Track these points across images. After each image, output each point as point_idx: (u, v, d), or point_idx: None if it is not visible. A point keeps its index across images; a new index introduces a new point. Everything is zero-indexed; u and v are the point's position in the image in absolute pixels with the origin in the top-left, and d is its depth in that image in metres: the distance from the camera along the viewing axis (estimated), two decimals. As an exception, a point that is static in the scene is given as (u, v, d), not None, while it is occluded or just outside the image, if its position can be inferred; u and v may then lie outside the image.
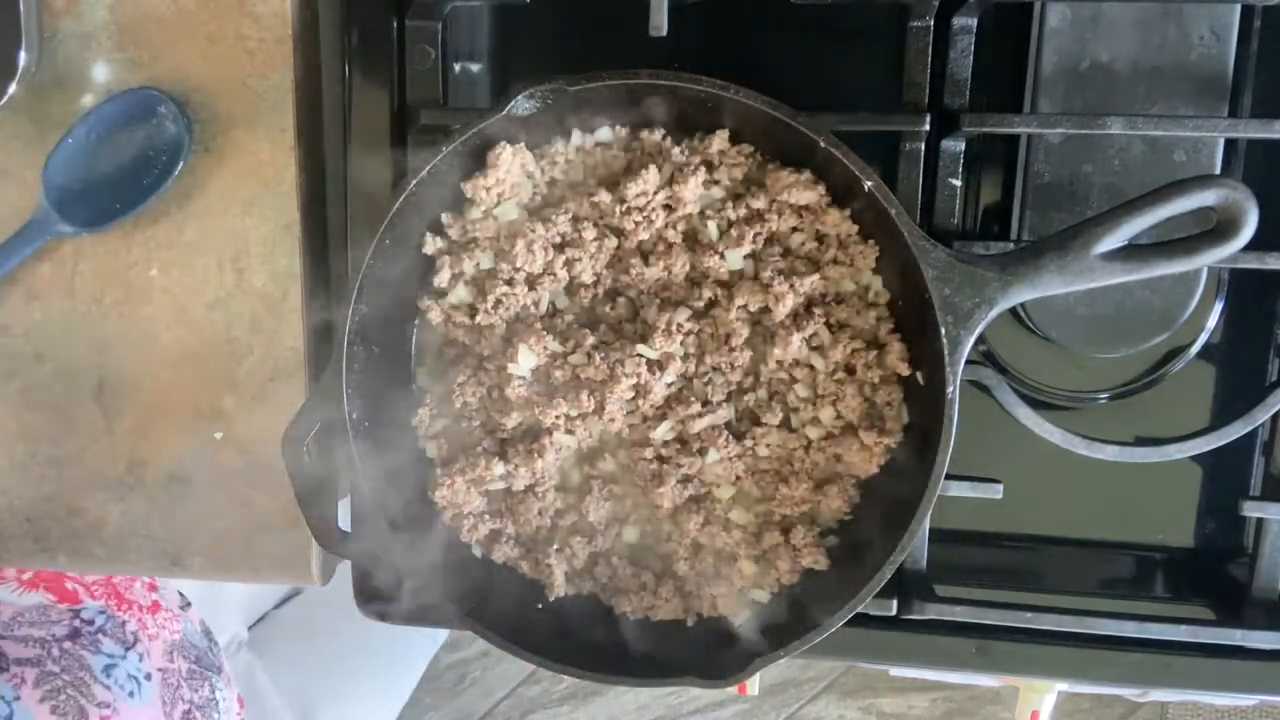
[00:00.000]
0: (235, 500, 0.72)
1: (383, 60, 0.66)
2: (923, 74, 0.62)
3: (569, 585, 0.64)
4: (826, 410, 0.61)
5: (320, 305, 0.71)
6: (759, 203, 0.61)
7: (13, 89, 0.67)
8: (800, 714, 1.72)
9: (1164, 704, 1.63)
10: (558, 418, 0.61)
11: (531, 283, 0.62)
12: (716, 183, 0.62)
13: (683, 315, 0.61)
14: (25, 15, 0.66)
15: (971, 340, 0.56)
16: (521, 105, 0.59)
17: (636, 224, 0.61)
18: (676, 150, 0.61)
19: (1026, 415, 0.63)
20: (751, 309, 0.61)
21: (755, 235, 0.60)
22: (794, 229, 0.61)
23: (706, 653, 0.62)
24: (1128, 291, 0.63)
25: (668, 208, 0.61)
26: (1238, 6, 0.61)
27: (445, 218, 0.63)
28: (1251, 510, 0.64)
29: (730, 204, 0.61)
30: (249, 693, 0.87)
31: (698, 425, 0.61)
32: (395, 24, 0.65)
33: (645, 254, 0.62)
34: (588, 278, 0.63)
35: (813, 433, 0.62)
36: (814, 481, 0.62)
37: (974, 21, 0.61)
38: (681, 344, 0.61)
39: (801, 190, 0.60)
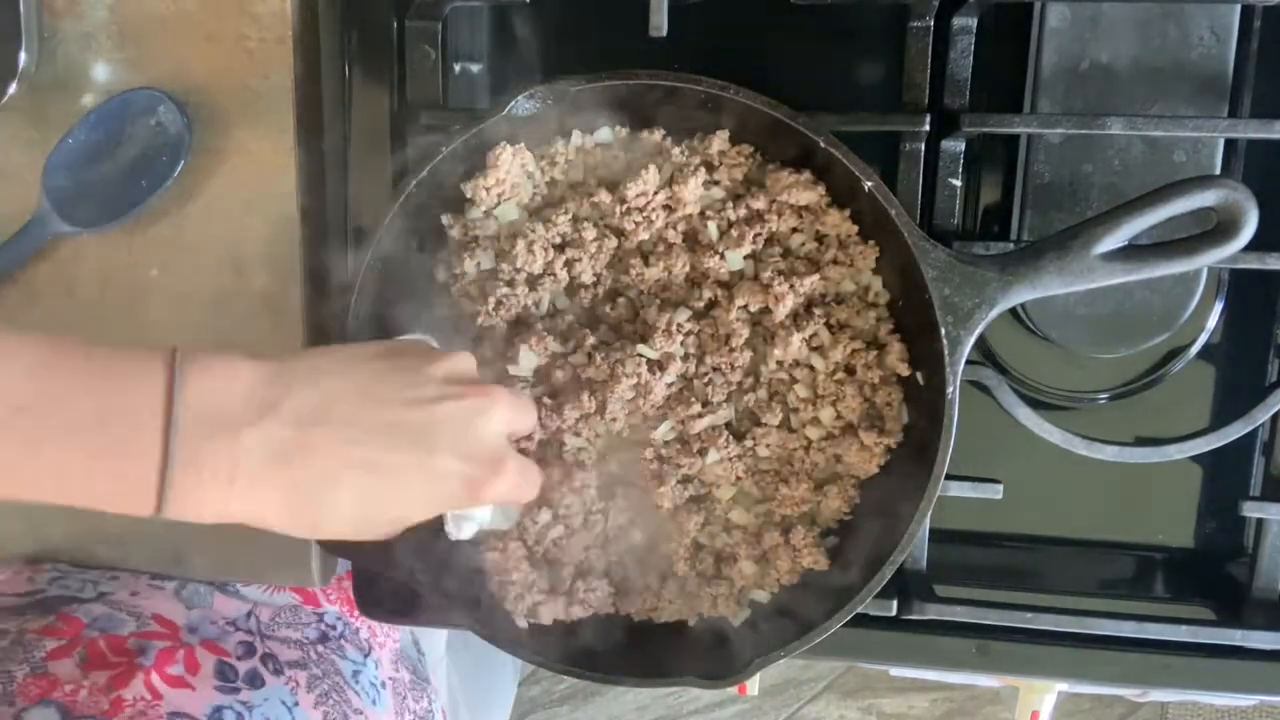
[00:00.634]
0: (235, 500, 0.72)
1: (383, 60, 0.66)
2: (923, 74, 0.62)
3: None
4: (827, 410, 0.61)
5: (320, 305, 0.71)
6: (759, 203, 0.61)
7: (13, 89, 0.67)
8: (800, 714, 1.72)
9: (1164, 704, 1.63)
10: (565, 422, 0.61)
11: (532, 283, 0.62)
12: (716, 183, 0.62)
13: (683, 315, 0.61)
14: (25, 15, 0.66)
15: (971, 340, 0.56)
16: (521, 105, 0.59)
17: (636, 224, 0.61)
18: (676, 150, 0.61)
19: (1026, 415, 0.63)
20: (752, 309, 0.61)
21: (755, 235, 0.60)
22: (794, 229, 0.61)
23: (706, 653, 0.62)
24: (1128, 292, 0.63)
25: (668, 208, 0.61)
26: (1238, 6, 0.61)
27: (445, 218, 0.63)
28: (1251, 510, 0.64)
29: (730, 204, 0.61)
30: (450, 703, 0.86)
31: (698, 425, 0.61)
32: (395, 24, 0.65)
33: (645, 254, 0.62)
34: (588, 278, 0.63)
35: (813, 433, 0.62)
36: (814, 482, 0.62)
37: (974, 21, 0.61)
38: (682, 344, 0.61)
39: (801, 191, 0.60)
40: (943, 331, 0.56)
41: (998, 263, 0.56)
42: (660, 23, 0.58)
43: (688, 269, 0.62)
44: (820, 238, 0.62)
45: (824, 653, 0.62)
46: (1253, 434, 0.64)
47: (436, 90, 0.66)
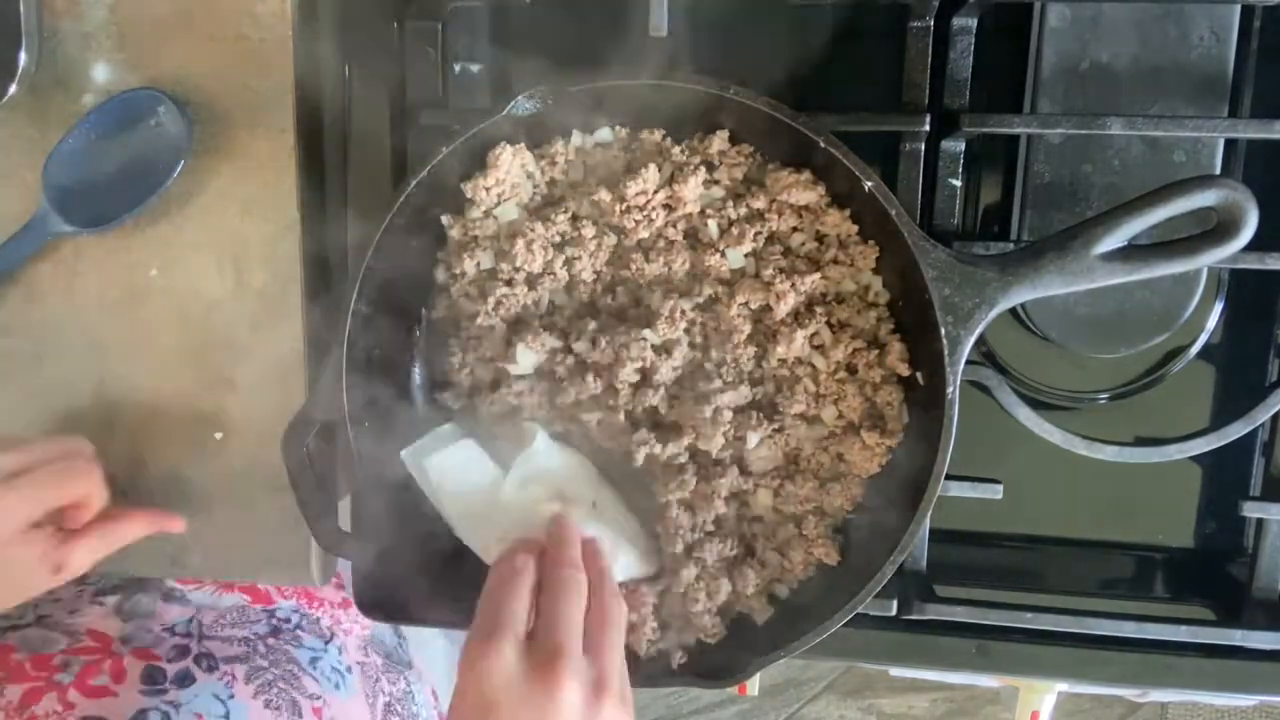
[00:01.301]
0: (235, 500, 0.72)
1: (383, 60, 0.66)
2: (923, 74, 0.62)
3: None
4: (829, 409, 0.61)
5: (320, 305, 0.71)
6: (759, 203, 0.61)
7: (13, 89, 0.67)
8: (800, 714, 1.72)
9: (1164, 704, 1.63)
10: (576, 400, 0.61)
11: (532, 282, 0.62)
12: (716, 183, 0.62)
13: (688, 303, 0.61)
14: (25, 15, 0.66)
15: (971, 340, 0.56)
16: (521, 105, 0.59)
17: (636, 223, 0.61)
18: (676, 150, 0.61)
19: (1026, 415, 0.63)
20: (753, 306, 0.61)
21: (756, 234, 0.61)
22: (794, 229, 0.62)
23: (706, 653, 0.62)
24: (1128, 292, 0.63)
25: (668, 207, 0.61)
26: (1238, 6, 0.61)
27: (445, 218, 0.63)
28: (1251, 510, 0.64)
29: (730, 203, 0.61)
30: (450, 679, 0.87)
31: (721, 400, 0.61)
32: (395, 24, 0.65)
33: (646, 251, 0.62)
34: (588, 276, 0.63)
35: (816, 432, 0.62)
36: (819, 480, 0.62)
37: (974, 21, 0.61)
38: (686, 332, 0.61)
39: (801, 190, 0.60)
40: (943, 331, 0.56)
41: (998, 263, 0.56)
42: (660, 23, 0.58)
43: (688, 266, 0.62)
44: (820, 237, 0.62)
45: (824, 653, 0.62)
46: (1253, 434, 0.64)
47: (436, 90, 0.66)
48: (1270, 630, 0.63)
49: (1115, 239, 0.54)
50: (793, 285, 0.60)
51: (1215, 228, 0.54)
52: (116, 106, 0.67)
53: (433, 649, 0.87)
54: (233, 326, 0.71)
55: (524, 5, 0.66)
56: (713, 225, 0.61)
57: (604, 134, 0.63)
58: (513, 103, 0.58)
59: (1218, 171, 0.62)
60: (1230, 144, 0.63)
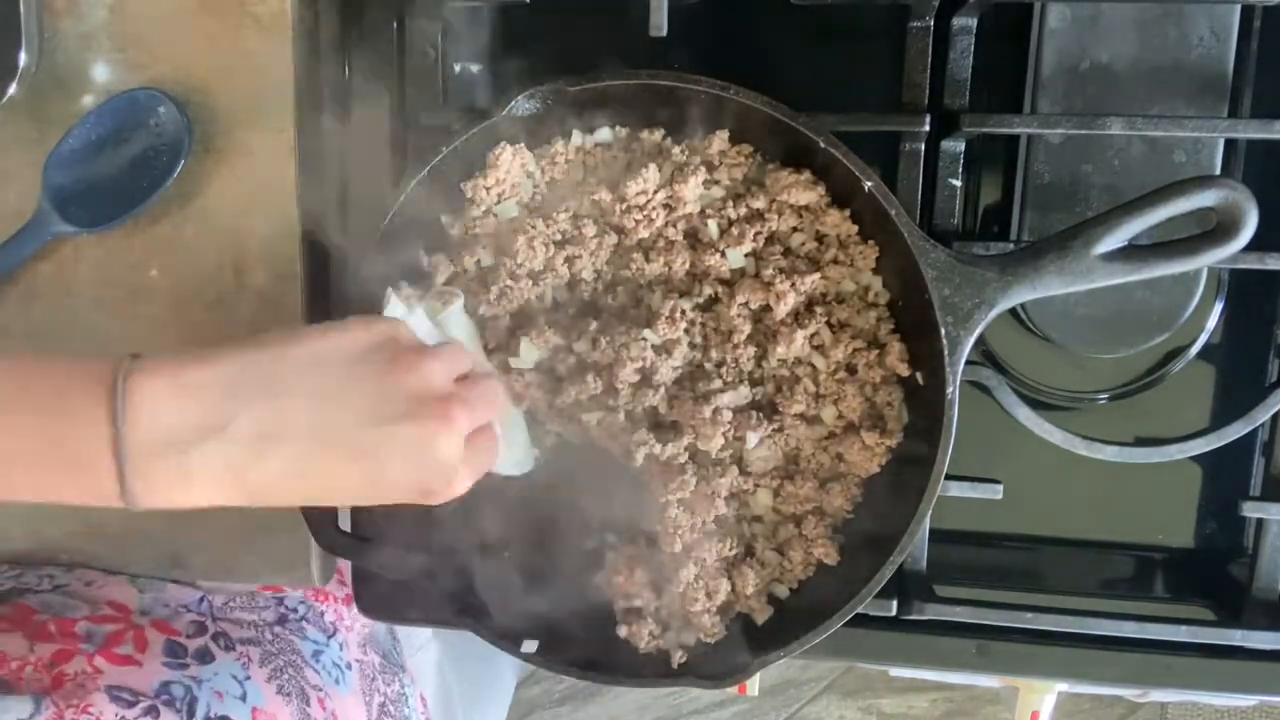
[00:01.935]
0: (235, 500, 0.72)
1: (383, 60, 0.66)
2: (923, 74, 0.62)
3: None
4: (828, 409, 0.61)
5: (320, 305, 0.71)
6: (759, 203, 0.61)
7: (13, 89, 0.67)
8: (800, 714, 1.72)
9: (1164, 704, 1.63)
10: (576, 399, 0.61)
11: (533, 279, 0.62)
12: (716, 183, 0.62)
13: (688, 303, 0.61)
14: (25, 15, 0.66)
15: (971, 340, 0.56)
16: (521, 105, 0.59)
17: (637, 222, 0.61)
18: (676, 150, 0.61)
19: (1026, 415, 0.63)
20: (753, 306, 0.61)
21: (756, 234, 0.61)
22: (794, 229, 0.62)
23: (706, 653, 0.62)
24: (1128, 292, 0.63)
25: (668, 207, 0.61)
26: (1238, 6, 0.61)
27: (445, 218, 0.63)
28: (1251, 510, 0.64)
29: (730, 204, 0.61)
30: (442, 697, 0.87)
31: (721, 400, 0.61)
32: (395, 24, 0.65)
33: (646, 250, 0.62)
34: (588, 274, 0.63)
35: (815, 432, 0.62)
36: (818, 480, 0.62)
37: (974, 21, 0.61)
38: (686, 332, 0.61)
39: (801, 190, 0.60)
40: (943, 331, 0.56)
41: (998, 263, 0.56)
42: (660, 23, 0.58)
43: (688, 266, 0.62)
44: (820, 237, 0.62)
45: (824, 653, 0.62)
46: (1253, 434, 0.64)
47: (436, 90, 0.66)
48: (1270, 630, 0.63)
49: (1115, 239, 0.54)
50: (793, 285, 0.60)
51: (1215, 228, 0.54)
52: (116, 106, 0.67)
53: (426, 654, 0.88)
54: (233, 326, 0.71)
55: (524, 5, 0.66)
56: (713, 225, 0.61)
57: (604, 134, 0.63)
58: (513, 103, 0.58)
59: (1218, 171, 0.62)
60: (1230, 144, 0.63)
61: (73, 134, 0.67)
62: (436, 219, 0.63)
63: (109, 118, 0.67)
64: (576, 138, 0.63)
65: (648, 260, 0.62)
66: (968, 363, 0.57)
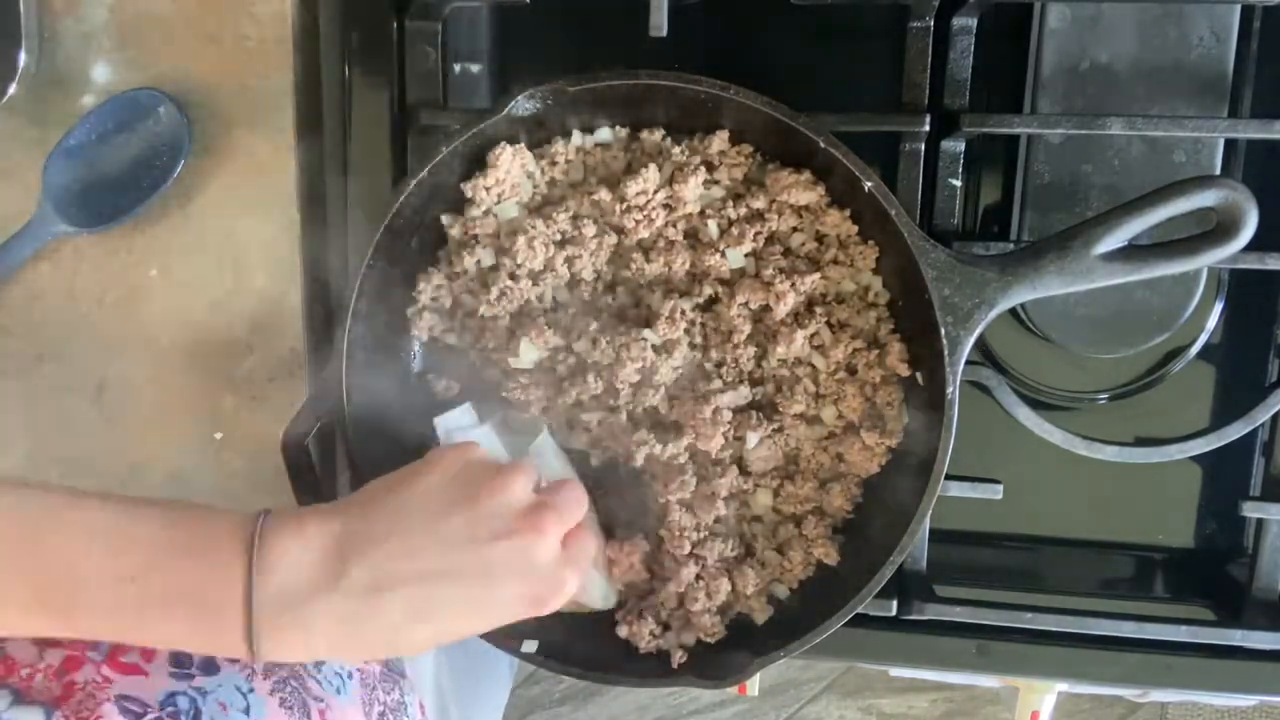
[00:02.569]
0: (235, 500, 0.72)
1: (383, 60, 0.66)
2: (923, 74, 0.62)
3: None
4: (828, 409, 0.61)
5: (320, 305, 0.71)
6: (759, 203, 0.61)
7: (13, 89, 0.67)
8: (800, 714, 1.72)
9: (1164, 704, 1.63)
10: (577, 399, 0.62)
11: (533, 279, 0.62)
12: (716, 183, 0.62)
13: (688, 303, 0.61)
14: (25, 15, 0.66)
15: (971, 340, 0.56)
16: (521, 105, 0.59)
17: (637, 222, 0.61)
18: (676, 150, 0.61)
19: (1026, 415, 0.63)
20: (753, 306, 0.61)
21: (756, 234, 0.61)
22: (794, 229, 0.62)
23: (706, 653, 0.62)
24: (1128, 292, 0.63)
25: (668, 207, 0.61)
26: (1238, 6, 0.61)
27: (445, 218, 0.63)
28: (1251, 511, 0.64)
29: (730, 203, 0.61)
30: (437, 700, 0.87)
31: (721, 400, 0.61)
32: (395, 24, 0.65)
33: (646, 250, 0.62)
34: (588, 274, 0.63)
35: (815, 432, 0.62)
36: (818, 480, 0.62)
37: (974, 22, 0.61)
38: (686, 332, 0.61)
39: (801, 190, 0.60)
40: (943, 331, 0.56)
41: (998, 263, 0.56)
42: (660, 23, 0.58)
43: (688, 266, 0.62)
44: (820, 237, 0.62)
45: (824, 653, 0.62)
46: (1253, 434, 0.64)
47: (436, 90, 0.66)
48: (1270, 630, 0.63)
49: (1115, 239, 0.54)
50: (793, 285, 0.60)
51: (1215, 228, 0.54)
52: (116, 106, 0.67)
53: (422, 661, 0.88)
54: (233, 326, 0.71)
55: (524, 5, 0.66)
56: (713, 225, 0.61)
57: (604, 134, 0.63)
58: (513, 103, 0.58)
59: (1218, 171, 0.62)
60: (1230, 144, 0.63)
61: (73, 134, 0.67)
62: (437, 219, 0.63)
63: (109, 118, 0.68)
64: (576, 138, 0.63)
65: (648, 260, 0.62)
66: (968, 363, 0.57)
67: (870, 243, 0.61)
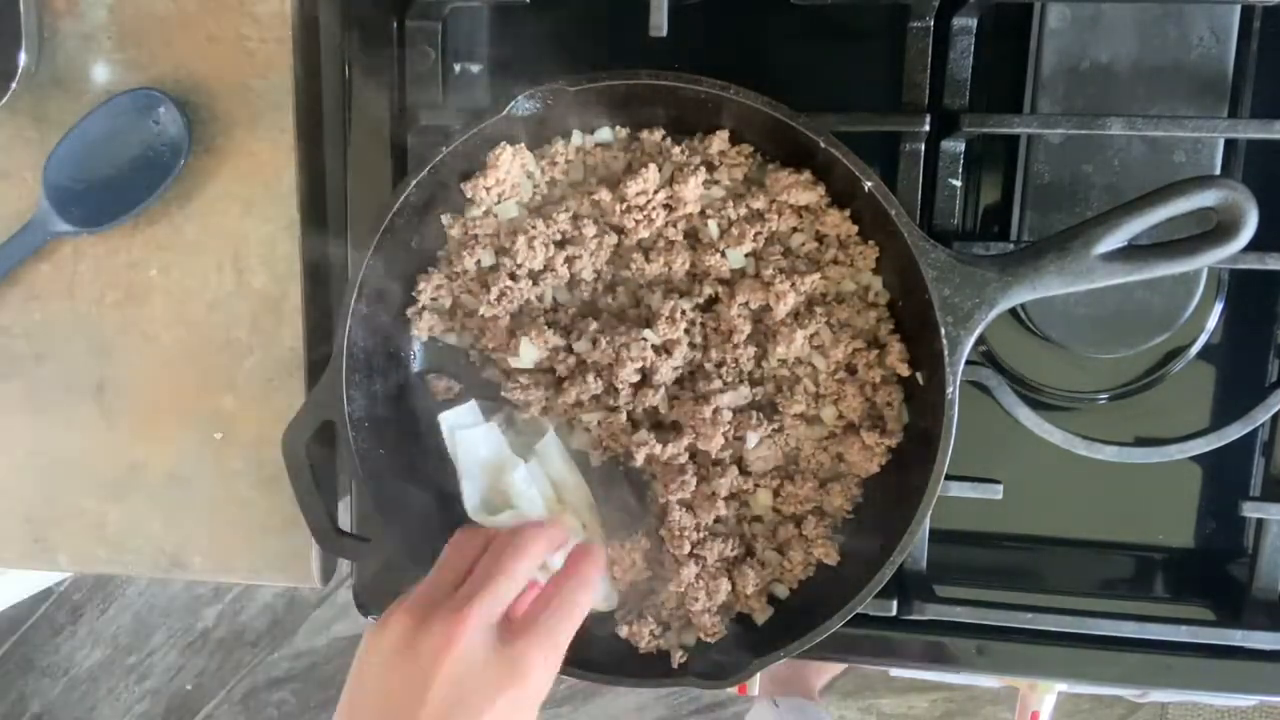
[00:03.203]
0: (235, 500, 0.72)
1: (383, 60, 0.66)
2: (923, 74, 0.62)
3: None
4: (828, 409, 0.61)
5: (320, 305, 0.71)
6: (759, 203, 0.61)
7: (13, 89, 0.67)
8: (800, 714, 1.71)
9: (1164, 704, 1.63)
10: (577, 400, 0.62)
11: (533, 278, 0.62)
12: (717, 183, 0.62)
13: (688, 303, 0.61)
14: (25, 15, 0.66)
15: (971, 341, 0.56)
16: (521, 105, 0.59)
17: (637, 222, 0.61)
18: (676, 150, 0.61)
19: (1026, 415, 0.63)
20: (753, 306, 0.61)
21: (756, 234, 0.61)
22: (794, 229, 0.62)
23: (706, 653, 0.62)
24: (1128, 292, 0.63)
25: (668, 207, 0.61)
26: (1238, 6, 0.61)
27: (445, 218, 0.63)
28: (1251, 511, 0.64)
29: (730, 204, 0.61)
30: None
31: (721, 400, 0.61)
32: (395, 24, 0.65)
33: (646, 250, 0.62)
34: (588, 275, 0.63)
35: (815, 432, 0.62)
36: (818, 480, 0.62)
37: (974, 22, 0.61)
38: (686, 332, 0.61)
39: (801, 191, 0.60)
40: (943, 331, 0.56)
41: (998, 263, 0.56)
42: (660, 23, 0.58)
43: (688, 266, 0.62)
44: (820, 237, 0.62)
45: (824, 653, 0.62)
46: (1253, 434, 0.64)
47: (436, 90, 0.66)
48: (1270, 630, 0.63)
49: (1115, 239, 0.54)
50: (793, 285, 0.60)
51: (1215, 228, 0.54)
52: (116, 106, 0.67)
53: None
54: (233, 326, 0.71)
55: (524, 5, 0.66)
56: (713, 225, 0.61)
57: (604, 134, 0.63)
58: (513, 103, 0.58)
59: (1218, 171, 0.62)
60: (1230, 144, 0.63)
61: (73, 134, 0.67)
62: (437, 219, 0.63)
63: (109, 118, 0.68)
64: (576, 138, 0.63)
65: (648, 260, 0.62)
66: (968, 363, 0.57)
67: (870, 243, 0.61)
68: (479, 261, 0.63)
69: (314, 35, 0.69)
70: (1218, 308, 0.66)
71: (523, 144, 0.62)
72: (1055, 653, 0.66)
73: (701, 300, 0.62)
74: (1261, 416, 0.62)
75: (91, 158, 0.68)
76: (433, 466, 0.64)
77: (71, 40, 0.69)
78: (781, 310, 0.60)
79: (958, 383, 0.56)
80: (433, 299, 0.64)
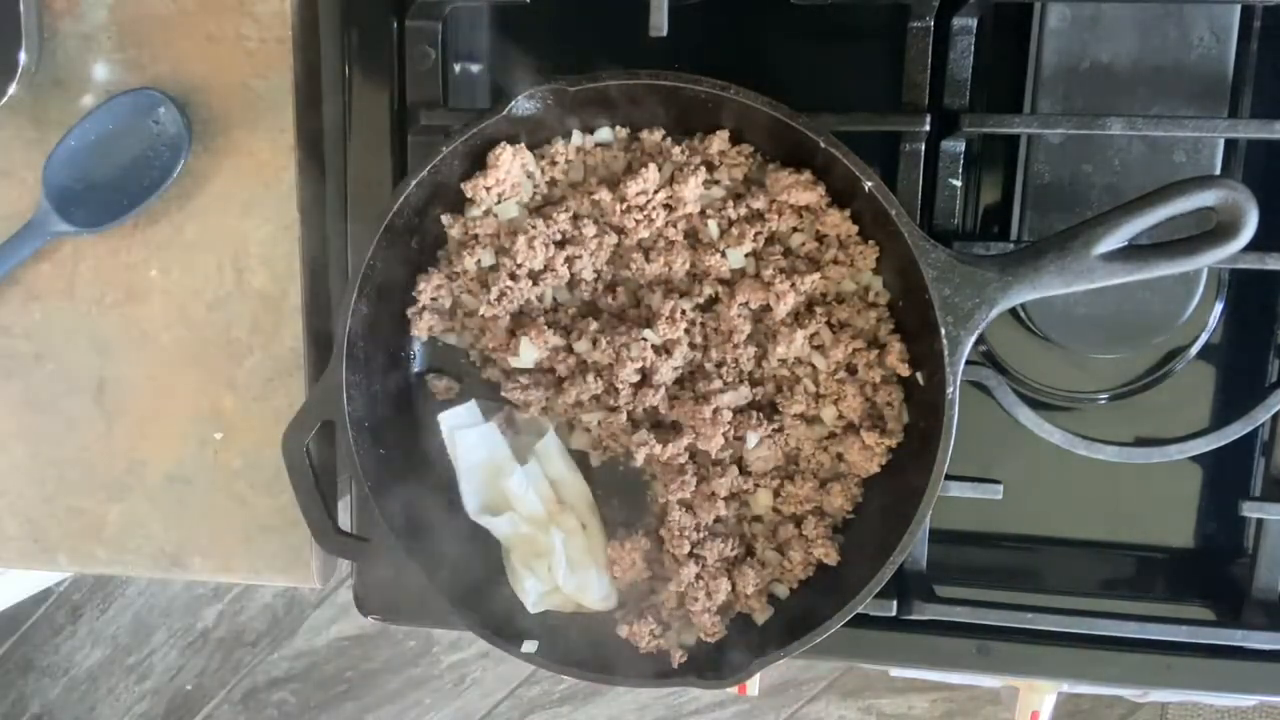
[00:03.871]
0: (235, 500, 0.72)
1: (383, 60, 0.66)
2: (923, 74, 0.62)
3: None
4: (829, 409, 0.61)
5: (320, 305, 0.71)
6: (759, 203, 0.61)
7: (13, 89, 0.67)
8: (800, 714, 1.72)
9: (1164, 704, 1.63)
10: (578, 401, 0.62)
11: (533, 278, 0.62)
12: (717, 183, 0.62)
13: (688, 304, 0.61)
14: (25, 15, 0.66)
15: (971, 341, 0.56)
16: (521, 105, 0.59)
17: (637, 222, 0.61)
18: (676, 150, 0.61)
19: (1026, 415, 0.63)
20: (753, 306, 0.61)
21: (756, 234, 0.61)
22: (794, 229, 0.62)
23: (706, 653, 0.62)
24: (1128, 292, 0.63)
25: (668, 207, 0.61)
26: (1238, 7, 0.61)
27: (445, 218, 0.63)
28: (1251, 511, 0.64)
29: (730, 203, 0.61)
30: None
31: (721, 400, 0.61)
32: (395, 24, 0.65)
33: (646, 250, 0.62)
34: (588, 274, 0.63)
35: (815, 432, 0.62)
36: (818, 480, 0.62)
37: (974, 22, 0.61)
38: (686, 332, 0.61)
39: (801, 190, 0.60)
40: (943, 331, 0.56)
41: (998, 263, 0.56)
42: (660, 23, 0.58)
43: (688, 266, 0.62)
44: (820, 237, 0.62)
45: (824, 653, 0.62)
46: (1253, 434, 0.64)
47: (436, 90, 0.65)
48: (1270, 630, 0.63)
49: (1115, 239, 0.54)
50: (793, 285, 0.60)
51: (1215, 228, 0.54)
52: (116, 106, 0.67)
53: None
54: (233, 326, 0.71)
55: (524, 5, 0.66)
56: (713, 225, 0.61)
57: (604, 134, 0.63)
58: (513, 103, 0.58)
59: (1218, 171, 0.62)
60: (1230, 144, 0.63)
61: (73, 134, 0.67)
62: (436, 219, 0.63)
63: (109, 118, 0.68)
64: (576, 138, 0.63)
65: (648, 260, 0.62)
66: (968, 363, 0.57)
67: (870, 243, 0.61)
68: (479, 261, 0.63)
69: (314, 35, 0.69)
70: (1218, 308, 0.66)
71: (523, 144, 0.62)
72: (1055, 653, 0.66)
73: (701, 300, 0.62)
74: (1261, 416, 0.62)
75: (91, 158, 0.68)
76: (433, 466, 0.64)
77: (71, 40, 0.69)
78: (781, 310, 0.60)
79: (958, 383, 0.56)
80: (433, 299, 0.64)
